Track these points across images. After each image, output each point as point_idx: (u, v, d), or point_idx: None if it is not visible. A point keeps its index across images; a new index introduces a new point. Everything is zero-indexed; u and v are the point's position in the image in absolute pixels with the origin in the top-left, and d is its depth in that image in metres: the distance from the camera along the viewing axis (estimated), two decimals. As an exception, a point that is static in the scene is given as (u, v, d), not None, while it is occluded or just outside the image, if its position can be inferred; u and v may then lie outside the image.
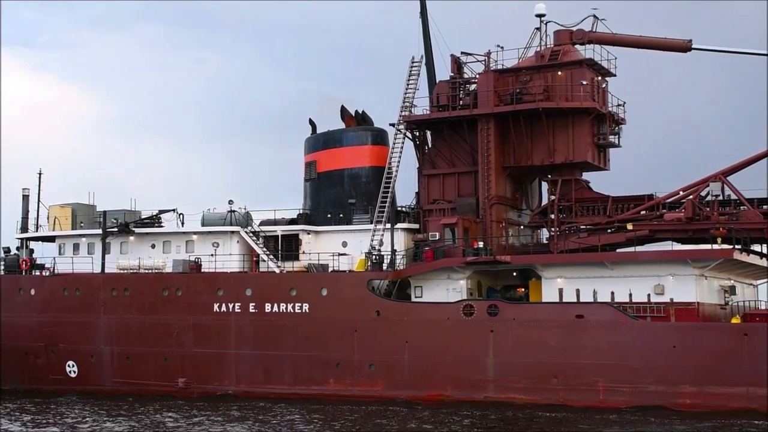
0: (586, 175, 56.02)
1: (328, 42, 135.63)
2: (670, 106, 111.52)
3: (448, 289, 52.13)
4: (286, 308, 53.34)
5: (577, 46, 55.10)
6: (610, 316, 47.49)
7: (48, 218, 61.63)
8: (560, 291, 50.06)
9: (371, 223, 55.11)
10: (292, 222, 58.20)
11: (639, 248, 49.60)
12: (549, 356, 48.12)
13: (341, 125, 60.46)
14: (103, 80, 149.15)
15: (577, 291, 49.68)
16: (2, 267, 61.40)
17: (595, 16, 55.20)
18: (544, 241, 56.43)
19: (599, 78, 55.04)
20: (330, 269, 54.77)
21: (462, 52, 56.72)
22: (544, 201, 57.41)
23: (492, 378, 49.20)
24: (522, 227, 56.97)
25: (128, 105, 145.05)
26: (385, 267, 53.18)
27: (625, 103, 56.53)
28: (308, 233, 57.06)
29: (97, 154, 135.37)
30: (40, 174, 61.94)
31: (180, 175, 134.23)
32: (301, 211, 59.18)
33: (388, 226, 54.19)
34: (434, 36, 58.15)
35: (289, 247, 56.61)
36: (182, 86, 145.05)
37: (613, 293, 48.85)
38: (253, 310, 54.02)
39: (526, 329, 48.75)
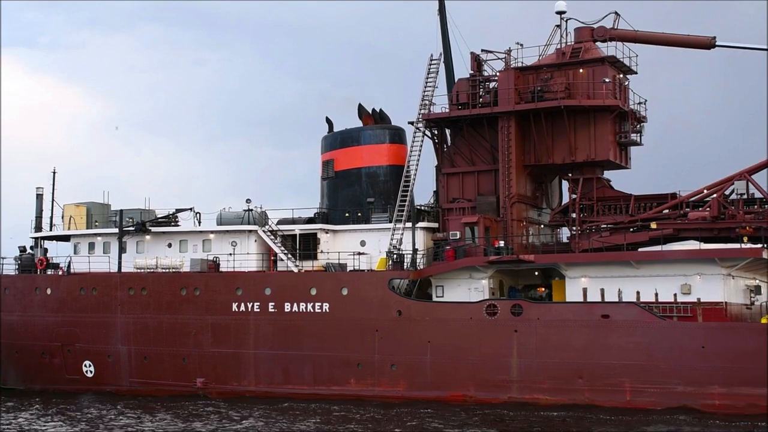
0: (607, 174, 55.62)
1: (329, 42, 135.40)
2: (669, 105, 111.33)
3: (470, 289, 51.64)
4: (306, 308, 52.86)
5: (598, 44, 54.70)
6: (636, 315, 46.98)
7: (62, 217, 61.12)
8: (584, 290, 49.61)
9: (390, 222, 54.63)
10: (309, 221, 57.72)
11: (663, 247, 49.17)
12: (574, 356, 47.62)
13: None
14: (103, 81, 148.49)
15: (602, 290, 49.20)
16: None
17: (616, 12, 54.86)
18: (565, 240, 56.01)
19: (621, 75, 54.61)
20: (348, 268, 54.32)
21: (482, 50, 56.29)
22: (565, 200, 57.02)
23: (516, 378, 48.71)
24: (542, 226, 56.57)
25: (128, 105, 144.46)
26: (406, 266, 52.75)
27: (646, 100, 56.23)
28: (326, 232, 56.59)
29: (98, 155, 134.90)
30: (54, 173, 61.62)
31: (180, 175, 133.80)
32: (318, 210, 58.73)
33: (408, 225, 53.73)
34: (451, 34, 57.87)
35: (306, 246, 56.15)
36: (182, 86, 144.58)
37: (638, 293, 48.37)
38: (273, 310, 53.50)
39: (551, 329, 48.26)
